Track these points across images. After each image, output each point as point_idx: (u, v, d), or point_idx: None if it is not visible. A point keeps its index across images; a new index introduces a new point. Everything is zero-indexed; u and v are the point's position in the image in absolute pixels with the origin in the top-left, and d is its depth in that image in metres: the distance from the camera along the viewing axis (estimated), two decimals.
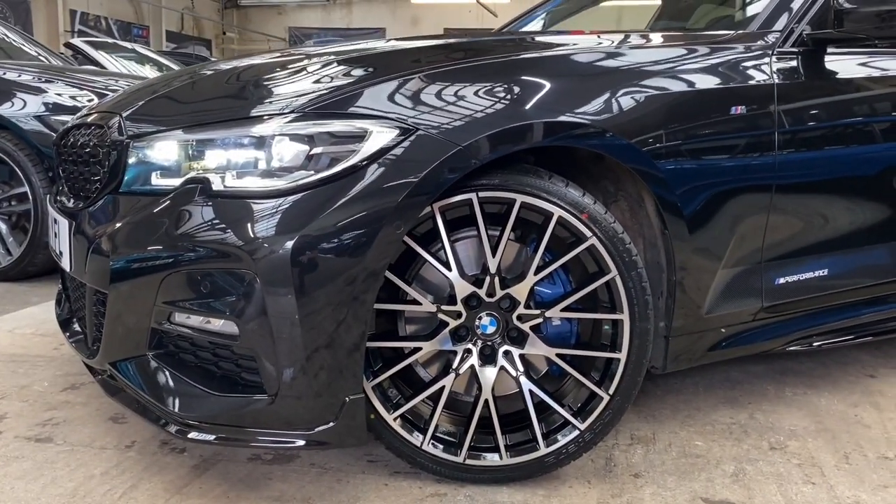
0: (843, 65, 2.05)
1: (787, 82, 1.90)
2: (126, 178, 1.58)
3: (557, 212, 1.56)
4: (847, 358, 2.55)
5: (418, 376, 1.70)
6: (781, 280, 1.98)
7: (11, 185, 3.40)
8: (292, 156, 1.43)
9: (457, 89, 1.52)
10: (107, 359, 1.61)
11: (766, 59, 1.90)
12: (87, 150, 1.74)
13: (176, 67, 6.99)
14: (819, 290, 2.06)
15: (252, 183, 1.44)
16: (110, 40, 6.67)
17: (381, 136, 1.43)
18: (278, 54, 2.04)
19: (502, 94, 1.54)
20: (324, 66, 1.66)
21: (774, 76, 1.88)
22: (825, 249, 2.03)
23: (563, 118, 1.56)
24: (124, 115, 1.66)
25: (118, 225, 1.54)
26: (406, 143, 1.44)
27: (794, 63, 1.95)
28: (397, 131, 1.44)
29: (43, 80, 3.56)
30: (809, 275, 2.03)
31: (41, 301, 3.13)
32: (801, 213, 1.94)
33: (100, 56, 6.24)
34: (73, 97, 3.52)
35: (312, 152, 1.43)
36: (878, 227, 2.12)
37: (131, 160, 1.57)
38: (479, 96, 1.52)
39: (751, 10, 2.19)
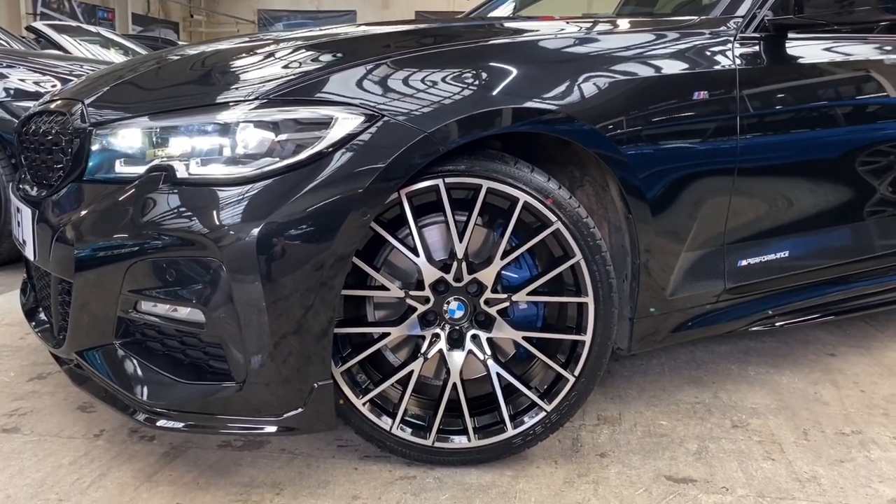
0: (804, 49, 2.08)
1: (750, 67, 1.92)
2: (89, 165, 1.57)
3: (523, 197, 1.58)
4: (808, 337, 2.61)
5: (387, 360, 1.71)
6: (744, 262, 2.02)
7: None
8: (257, 142, 1.43)
9: (423, 75, 1.52)
10: (73, 348, 1.60)
11: (729, 45, 1.93)
12: (50, 137, 1.72)
13: (142, 51, 6.88)
14: (781, 271, 2.10)
15: (217, 170, 1.44)
16: (74, 23, 6.53)
17: (346, 123, 1.44)
18: (246, 39, 2.03)
19: (469, 81, 1.54)
20: (290, 52, 1.66)
21: (737, 61, 1.91)
22: (787, 231, 2.07)
23: (529, 104, 1.57)
24: (87, 101, 1.64)
25: (82, 213, 1.53)
26: (372, 130, 1.44)
27: (756, 48, 1.98)
28: (363, 118, 1.44)
29: (4, 65, 3.49)
30: (772, 256, 2.07)
31: (5, 290, 3.09)
32: (762, 196, 1.98)
33: (63, 40, 6.12)
34: (35, 83, 3.46)
35: (278, 139, 1.43)
36: (839, 209, 2.17)
37: (94, 147, 1.56)
38: (446, 82, 1.53)
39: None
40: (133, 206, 1.46)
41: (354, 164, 1.42)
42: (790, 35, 2.06)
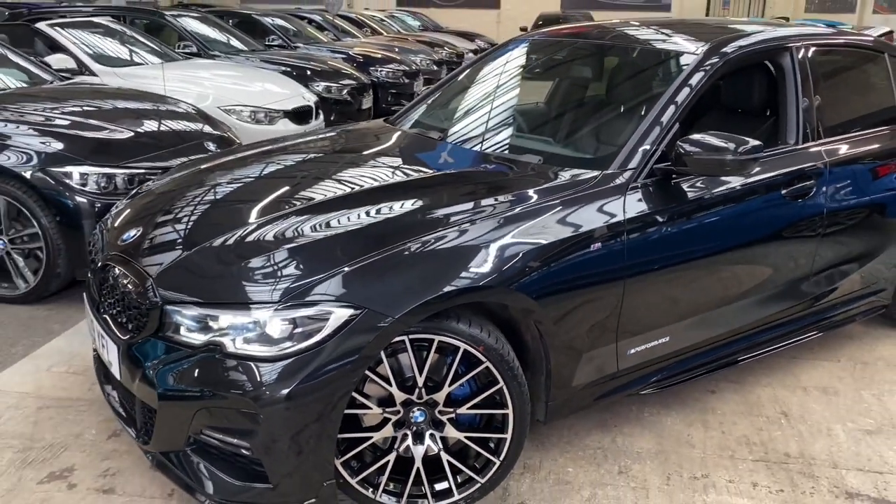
0: (683, 188, 2.76)
1: (637, 213, 2.61)
2: (162, 327, 2.27)
3: (462, 346, 2.30)
4: None
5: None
6: (632, 350, 2.76)
7: (23, 224, 3.99)
8: (280, 331, 2.13)
9: (389, 274, 2.21)
10: (157, 449, 2.34)
11: (621, 197, 2.61)
12: (127, 296, 2.40)
13: (141, 38, 7.28)
14: (663, 350, 2.85)
15: (255, 348, 2.14)
16: (76, 16, 6.85)
17: (340, 315, 2.13)
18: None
19: (418, 272, 2.24)
20: (294, 251, 2.30)
21: (627, 209, 2.59)
22: (666, 323, 2.81)
23: (464, 284, 2.26)
24: (154, 279, 2.32)
25: (160, 365, 2.23)
26: (358, 319, 2.14)
27: (644, 193, 2.66)
28: (351, 310, 2.14)
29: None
30: (655, 343, 2.81)
31: (62, 328, 3.79)
32: (646, 307, 2.70)
33: (64, 38, 6.52)
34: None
35: (295, 330, 2.13)
36: (707, 301, 2.91)
37: (165, 318, 2.26)
38: (405, 276, 2.22)
39: (613, 142, 2.85)
40: (197, 367, 2.17)
41: (349, 344, 2.13)
42: (673, 177, 2.74)
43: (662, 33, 3.51)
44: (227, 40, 9.43)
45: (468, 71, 3.94)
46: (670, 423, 3.04)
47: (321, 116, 7.29)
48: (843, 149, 3.31)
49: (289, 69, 8.38)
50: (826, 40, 3.56)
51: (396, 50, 11.78)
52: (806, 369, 3.50)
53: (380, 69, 10.16)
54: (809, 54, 3.33)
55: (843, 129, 3.42)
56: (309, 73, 8.48)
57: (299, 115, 6.87)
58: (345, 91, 8.54)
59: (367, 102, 9.06)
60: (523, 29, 17.97)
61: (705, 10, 25.90)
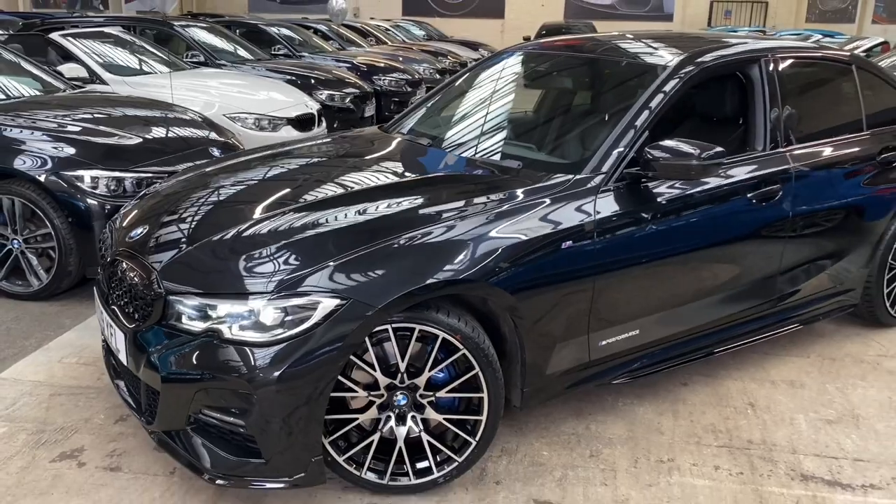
0: (651, 191, 2.96)
1: (606, 214, 2.81)
2: (165, 316, 2.47)
3: (441, 334, 2.50)
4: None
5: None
6: (603, 342, 2.95)
7: (37, 225, 4.21)
8: (273, 319, 2.34)
9: (374, 267, 2.41)
10: (160, 428, 2.55)
11: (592, 199, 2.81)
12: (134, 288, 2.61)
13: (151, 48, 7.53)
14: (633, 343, 3.04)
15: (249, 335, 2.34)
16: (89, 27, 7.09)
17: (327, 305, 2.34)
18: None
19: (401, 266, 2.44)
20: (287, 246, 2.51)
21: (597, 210, 2.79)
22: (635, 318, 3.00)
23: (444, 278, 2.46)
24: (159, 272, 2.53)
25: (164, 350, 2.44)
26: (343, 308, 2.34)
27: (614, 195, 2.86)
28: (338, 300, 2.35)
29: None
30: (625, 335, 3.01)
31: (72, 323, 4.01)
32: (615, 302, 2.90)
33: (78, 49, 6.77)
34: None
35: (286, 318, 2.33)
36: (676, 298, 3.10)
37: (168, 308, 2.46)
38: (388, 270, 2.42)
39: (589, 148, 3.05)
40: (198, 352, 2.38)
41: (335, 331, 2.33)
42: (643, 181, 2.94)
43: (650, 46, 3.71)
44: (234, 50, 9.69)
45: (459, 80, 4.15)
46: (642, 413, 3.23)
47: (324, 124, 7.51)
48: (810, 155, 3.51)
49: (293, 78, 8.61)
50: (799, 53, 3.76)
51: (400, 59, 12.02)
52: (776, 364, 3.69)
53: (383, 78, 10.39)
54: (780, 66, 3.53)
55: (811, 136, 3.61)
56: (313, 81, 8.71)
57: (302, 123, 7.09)
58: (347, 99, 8.77)
59: (369, 110, 9.28)
60: (526, 38, 18.24)
61: (707, 20, 26.08)
